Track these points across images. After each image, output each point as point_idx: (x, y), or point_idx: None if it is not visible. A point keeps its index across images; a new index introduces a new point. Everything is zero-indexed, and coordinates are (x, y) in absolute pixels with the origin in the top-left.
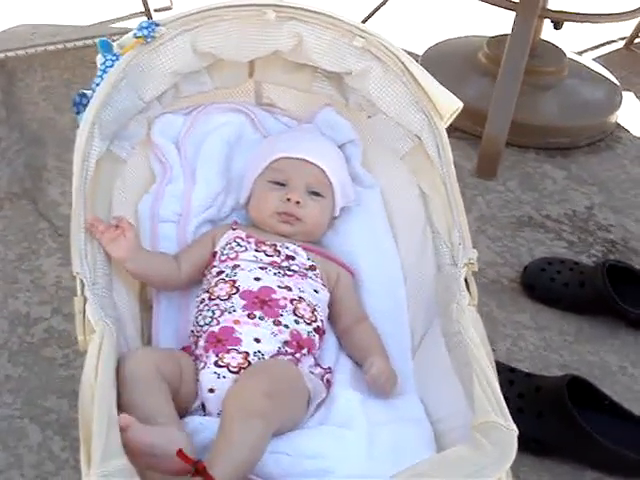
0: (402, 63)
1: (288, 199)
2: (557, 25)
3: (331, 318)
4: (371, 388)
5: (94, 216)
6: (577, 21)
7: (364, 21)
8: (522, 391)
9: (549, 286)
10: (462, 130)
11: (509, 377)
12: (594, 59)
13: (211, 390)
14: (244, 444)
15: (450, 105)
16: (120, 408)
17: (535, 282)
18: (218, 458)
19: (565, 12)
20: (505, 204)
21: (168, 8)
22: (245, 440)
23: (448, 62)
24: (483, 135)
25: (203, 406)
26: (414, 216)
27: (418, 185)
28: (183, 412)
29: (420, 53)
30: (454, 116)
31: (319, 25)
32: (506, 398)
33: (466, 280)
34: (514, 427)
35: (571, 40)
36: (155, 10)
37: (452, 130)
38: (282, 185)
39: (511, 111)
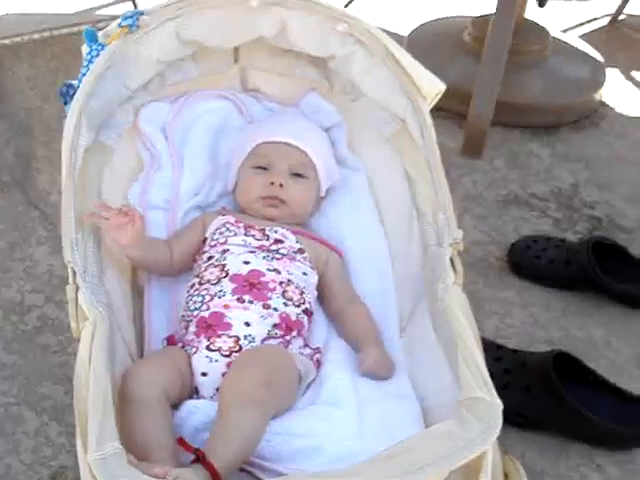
0: (385, 47)
1: (272, 183)
2: (541, 3)
3: (322, 300)
4: (366, 376)
5: (101, 202)
6: None
7: (348, 4)
8: (509, 367)
9: (535, 263)
10: (448, 110)
11: (496, 354)
12: (579, 37)
13: (204, 374)
14: (242, 432)
15: (433, 87)
16: (118, 425)
17: (521, 260)
18: (217, 446)
19: None
20: (491, 183)
21: None
22: (243, 428)
23: (434, 43)
24: (468, 115)
25: (196, 389)
26: (400, 198)
27: (403, 167)
28: (183, 399)
29: (406, 34)
30: (437, 98)
31: (303, 11)
32: (493, 374)
33: (452, 260)
34: (499, 402)
35: (556, 18)
36: None
37: (438, 110)
38: (265, 169)
39: (496, 91)
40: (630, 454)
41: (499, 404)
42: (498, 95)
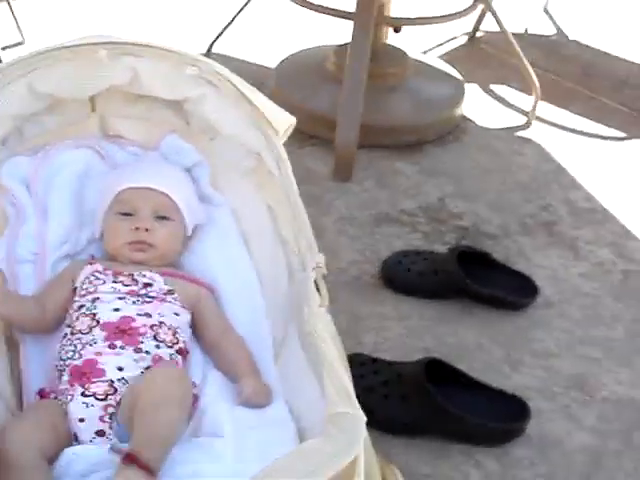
0: (235, 86)
1: (137, 228)
2: (396, 29)
3: (197, 336)
4: (245, 405)
5: None
6: (413, 24)
7: (214, 41)
8: (386, 379)
9: (406, 277)
10: (318, 137)
11: (374, 367)
12: (440, 56)
13: (81, 420)
14: (165, 427)
15: (284, 122)
16: None
17: (393, 275)
18: (142, 444)
19: (402, 18)
20: (363, 204)
21: (20, 43)
22: (168, 425)
23: (301, 73)
24: (335, 140)
25: (75, 435)
26: (263, 228)
27: (264, 199)
28: (62, 449)
29: (273, 66)
30: (289, 131)
31: (153, 58)
32: (372, 387)
33: (317, 283)
34: (361, 414)
35: (418, 40)
36: (6, 47)
37: (308, 138)
38: (130, 215)
39: (359, 115)
40: (507, 447)
41: (361, 416)
42: (364, 119)
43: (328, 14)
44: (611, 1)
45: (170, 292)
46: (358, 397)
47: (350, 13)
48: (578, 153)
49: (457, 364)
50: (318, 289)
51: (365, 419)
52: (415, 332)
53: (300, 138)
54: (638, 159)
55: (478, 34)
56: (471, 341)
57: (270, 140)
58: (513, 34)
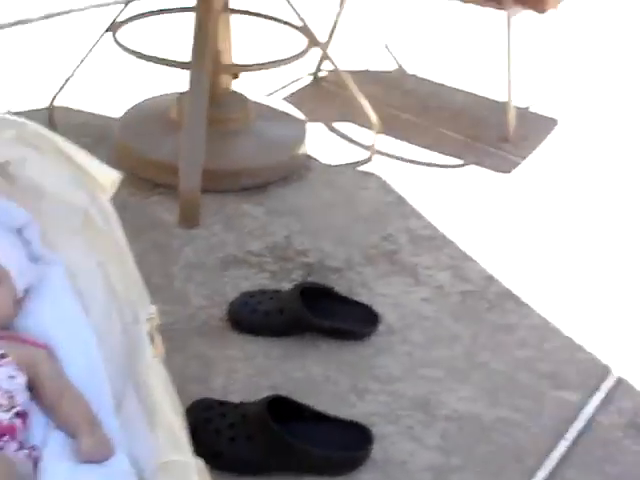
0: (56, 145)
1: None
2: (235, 75)
3: (37, 396)
4: (86, 462)
5: None
6: (249, 70)
7: (56, 95)
8: (233, 421)
9: (252, 318)
10: (164, 185)
11: (220, 410)
12: (285, 97)
13: None
14: None
15: (108, 177)
16: None
17: (240, 317)
18: None
19: (238, 65)
20: (211, 248)
21: None
22: None
23: (144, 122)
24: (179, 187)
25: None
26: (96, 284)
27: (95, 255)
28: None
29: (118, 116)
30: (115, 186)
31: None
32: (219, 430)
33: (151, 334)
34: (190, 460)
35: (264, 83)
36: None
37: (155, 187)
38: None
39: (200, 161)
40: (353, 474)
41: (191, 463)
42: (208, 164)
43: (164, 65)
44: (448, 36)
45: (3, 356)
46: (207, 441)
47: (186, 63)
48: (418, 183)
49: (305, 398)
50: (152, 340)
51: (194, 464)
52: (263, 371)
53: (146, 187)
54: (473, 184)
55: (322, 74)
56: (318, 374)
57: (96, 197)
58: (356, 71)
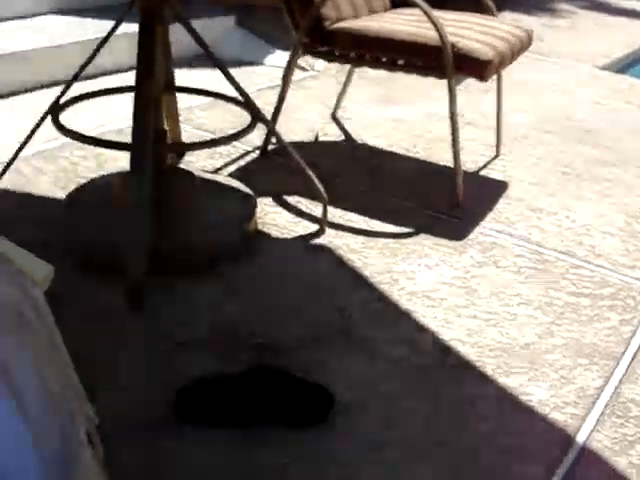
0: None
1: None
2: (180, 154)
3: None
4: None
5: None
6: (192, 150)
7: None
8: None
9: (201, 406)
10: (111, 268)
11: None
12: (234, 172)
13: None
14: None
15: (41, 271)
16: None
17: (187, 405)
18: None
19: (182, 143)
20: (158, 332)
21: None
22: None
23: (91, 203)
24: (128, 269)
25: None
26: (31, 385)
27: (30, 354)
28: None
29: (63, 198)
30: (49, 280)
31: None
32: None
33: (89, 434)
34: None
35: (212, 159)
36: None
37: (102, 269)
38: None
39: (145, 243)
40: None
41: None
42: (156, 244)
43: (105, 147)
44: (395, 103)
45: None
46: None
47: (127, 145)
48: (370, 253)
49: None
50: (91, 440)
51: None
52: (214, 462)
53: (93, 270)
54: (425, 252)
55: (270, 147)
56: (271, 465)
57: (28, 292)
58: (305, 142)
